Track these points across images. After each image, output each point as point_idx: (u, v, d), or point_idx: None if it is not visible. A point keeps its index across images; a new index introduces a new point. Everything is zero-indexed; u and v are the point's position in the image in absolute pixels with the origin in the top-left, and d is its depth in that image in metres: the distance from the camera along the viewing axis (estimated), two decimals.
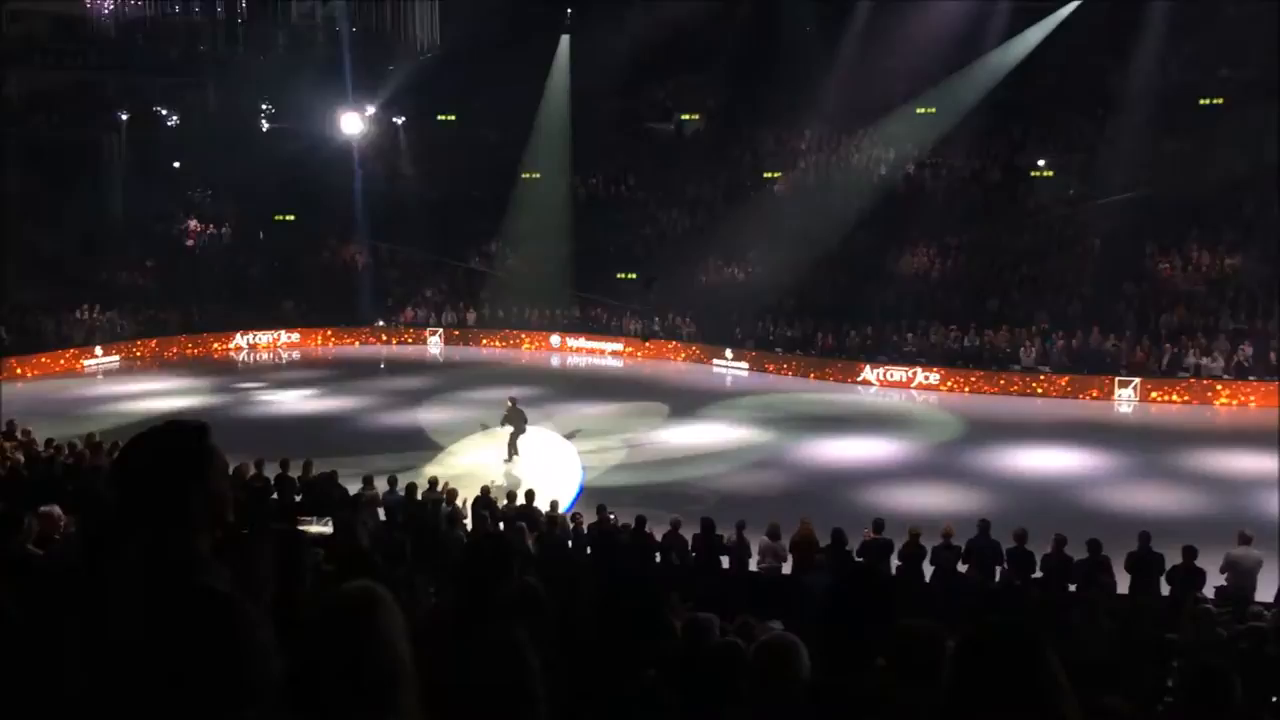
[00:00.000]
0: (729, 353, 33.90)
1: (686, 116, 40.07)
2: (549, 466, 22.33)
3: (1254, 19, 31.75)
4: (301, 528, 10.58)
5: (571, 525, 15.00)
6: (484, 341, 38.15)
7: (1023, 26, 36.64)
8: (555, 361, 36.38)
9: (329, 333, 38.59)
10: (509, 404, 22.93)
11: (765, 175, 39.93)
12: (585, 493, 19.82)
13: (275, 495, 15.53)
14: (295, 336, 38.13)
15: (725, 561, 14.46)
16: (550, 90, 40.84)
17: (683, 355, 35.19)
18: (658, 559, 14.24)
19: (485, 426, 24.53)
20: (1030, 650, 2.36)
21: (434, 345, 38.29)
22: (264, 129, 43.05)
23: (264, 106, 42.90)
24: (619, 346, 36.27)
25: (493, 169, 41.20)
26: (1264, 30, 31.18)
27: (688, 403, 28.43)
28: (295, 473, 16.26)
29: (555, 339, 37.31)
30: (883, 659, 4.17)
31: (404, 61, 43.97)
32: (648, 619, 3.66)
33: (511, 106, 40.81)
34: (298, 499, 15.72)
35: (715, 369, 33.87)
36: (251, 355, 36.98)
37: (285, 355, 37.24)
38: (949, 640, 3.89)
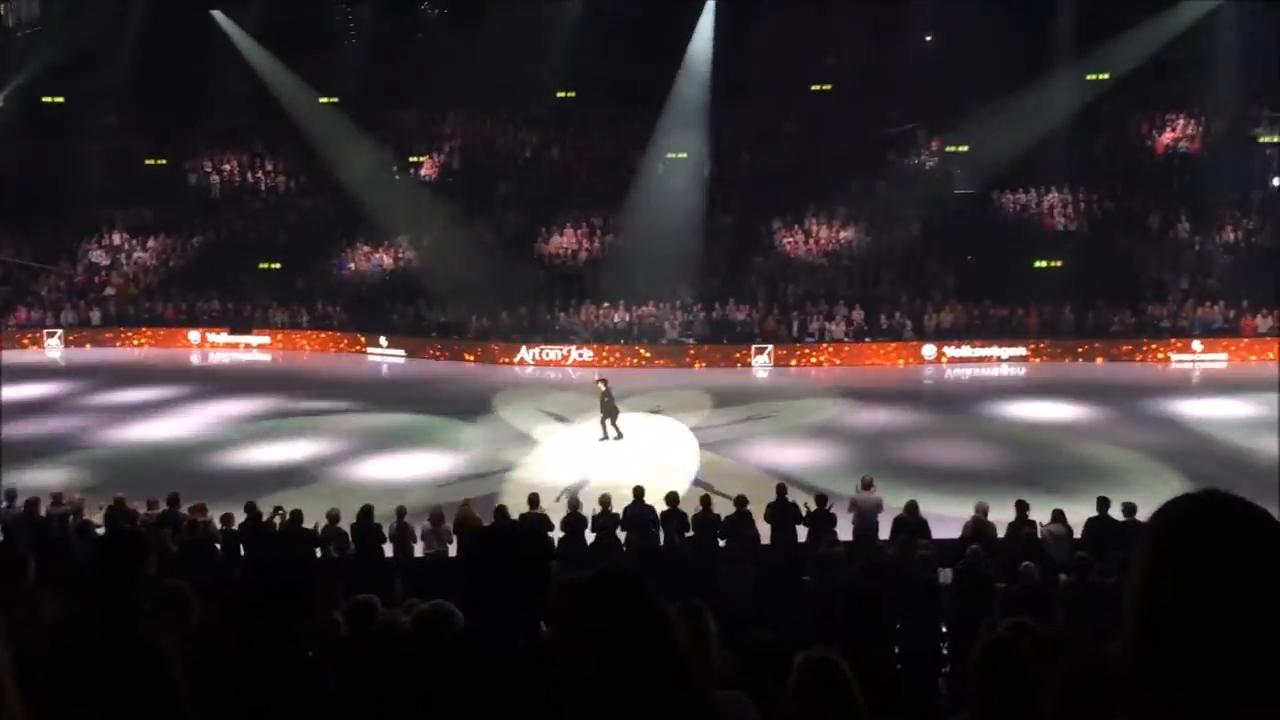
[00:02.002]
0: (383, 340, 33.27)
1: (324, 99, 38.65)
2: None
3: (858, 10, 34.81)
4: None
5: (221, 525, 14.24)
6: (120, 341, 35.26)
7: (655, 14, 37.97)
8: (196, 358, 34.21)
9: None
10: (601, 386, 22.31)
11: (410, 159, 39.40)
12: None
13: None
14: None
15: (388, 550, 14.23)
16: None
17: (336, 344, 34.14)
18: (318, 553, 13.78)
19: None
20: (630, 587, 2.43)
21: (53, 348, 34.91)
22: None
23: None
24: (265, 340, 34.65)
25: (112, 154, 38.07)
26: (864, 22, 34.38)
27: (346, 394, 27.69)
28: None
29: (194, 334, 35.06)
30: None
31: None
32: (299, 605, 3.52)
33: (134, 87, 37.79)
34: None
35: (370, 357, 33.15)
36: None
37: None
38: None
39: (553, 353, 31.95)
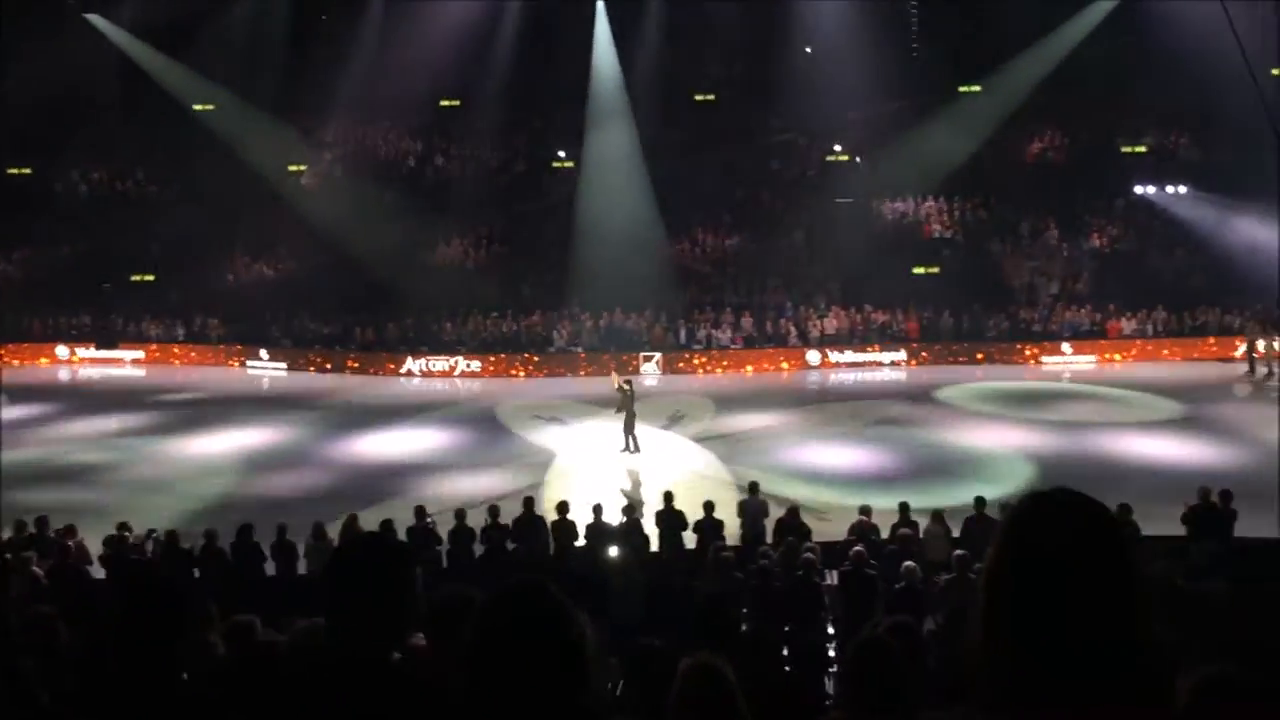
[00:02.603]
0: (264, 353, 32.48)
1: (200, 106, 37.55)
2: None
3: (739, 22, 35.21)
4: None
5: (104, 548, 13.72)
6: None
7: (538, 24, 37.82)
8: (65, 375, 32.90)
9: None
10: (624, 388, 21.34)
11: (290, 168, 38.56)
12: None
13: None
14: None
15: (270, 568, 13.89)
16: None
17: (215, 358, 33.20)
18: (196, 574, 13.38)
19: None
20: (549, 600, 2.36)
21: None
22: None
23: None
24: (139, 354, 33.52)
25: None
26: (748, 32, 34.84)
27: (222, 409, 26.96)
28: None
29: (62, 350, 33.71)
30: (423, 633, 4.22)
31: None
32: (170, 629, 3.40)
33: None
34: None
35: (250, 371, 32.32)
36: None
37: None
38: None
39: (440, 363, 31.62)
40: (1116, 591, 1.60)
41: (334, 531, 13.89)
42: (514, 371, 31.43)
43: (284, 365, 32.24)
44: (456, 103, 38.92)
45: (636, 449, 21.43)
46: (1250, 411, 24.93)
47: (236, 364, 32.74)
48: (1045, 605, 1.59)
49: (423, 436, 24.21)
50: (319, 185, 38.16)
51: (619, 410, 21.60)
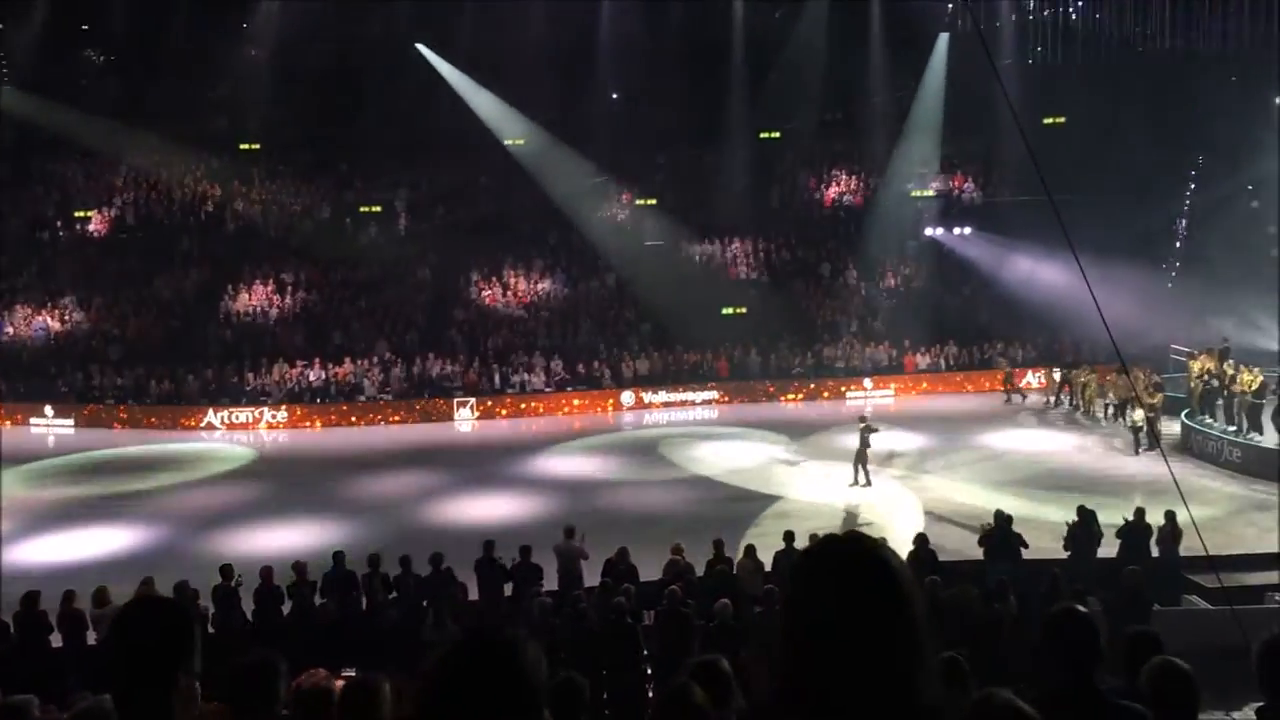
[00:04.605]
0: (49, 409, 30.50)
1: None
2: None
3: (544, 69, 35.54)
4: None
5: None
6: None
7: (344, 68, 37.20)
8: None
9: None
10: (863, 424, 21.69)
11: (76, 214, 36.57)
12: None
13: None
14: None
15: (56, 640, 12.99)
16: None
17: None
18: None
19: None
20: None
21: None
22: None
23: None
24: None
25: None
26: (554, 79, 35.27)
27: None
28: None
29: None
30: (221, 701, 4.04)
31: None
32: None
33: None
34: None
35: (34, 429, 30.29)
36: None
37: None
38: (282, 668, 3.88)
39: (243, 415, 30.41)
40: (892, 640, 1.63)
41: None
42: (322, 421, 30.49)
43: (71, 422, 30.36)
44: (256, 146, 37.82)
45: (868, 483, 21.74)
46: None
47: (18, 423, 30.60)
48: (822, 653, 1.61)
49: (221, 492, 23.22)
50: (108, 231, 36.31)
51: (860, 447, 21.92)
